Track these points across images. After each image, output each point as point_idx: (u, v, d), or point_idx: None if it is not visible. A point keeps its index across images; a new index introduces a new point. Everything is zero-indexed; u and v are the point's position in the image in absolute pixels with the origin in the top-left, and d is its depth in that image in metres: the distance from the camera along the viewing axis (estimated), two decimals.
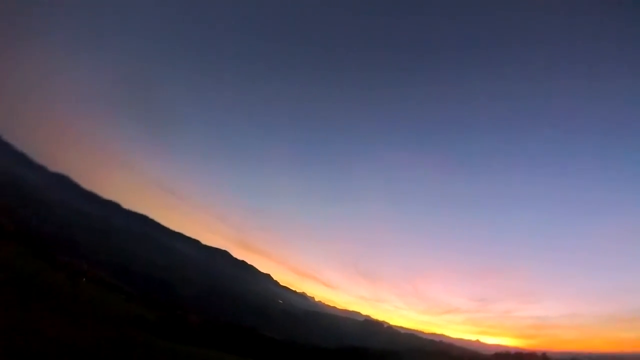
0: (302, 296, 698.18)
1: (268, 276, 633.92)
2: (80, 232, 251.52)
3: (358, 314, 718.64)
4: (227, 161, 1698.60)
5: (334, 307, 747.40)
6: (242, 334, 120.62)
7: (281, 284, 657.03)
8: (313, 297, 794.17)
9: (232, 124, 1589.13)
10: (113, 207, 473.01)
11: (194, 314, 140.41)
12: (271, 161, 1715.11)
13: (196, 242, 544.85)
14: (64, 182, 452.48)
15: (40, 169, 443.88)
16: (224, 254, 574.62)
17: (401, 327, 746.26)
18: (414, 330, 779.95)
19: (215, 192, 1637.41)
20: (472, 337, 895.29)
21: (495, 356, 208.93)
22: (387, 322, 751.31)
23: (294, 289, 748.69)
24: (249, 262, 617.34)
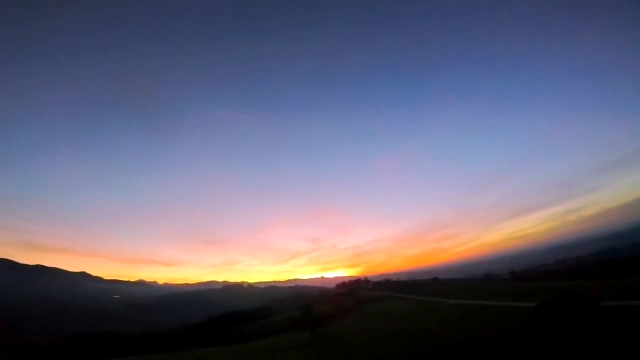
0: (142, 284, 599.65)
1: (83, 274, 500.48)
2: None
3: (215, 282, 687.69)
4: None
5: (186, 284, 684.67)
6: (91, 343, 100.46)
7: (106, 278, 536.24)
8: (155, 281, 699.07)
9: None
10: None
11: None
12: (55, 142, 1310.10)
13: None
14: None
15: None
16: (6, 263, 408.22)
17: (260, 283, 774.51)
18: (272, 282, 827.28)
19: None
20: (318, 275, 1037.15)
21: (336, 286, 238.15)
22: (246, 282, 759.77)
23: (126, 280, 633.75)
24: (49, 264, 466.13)
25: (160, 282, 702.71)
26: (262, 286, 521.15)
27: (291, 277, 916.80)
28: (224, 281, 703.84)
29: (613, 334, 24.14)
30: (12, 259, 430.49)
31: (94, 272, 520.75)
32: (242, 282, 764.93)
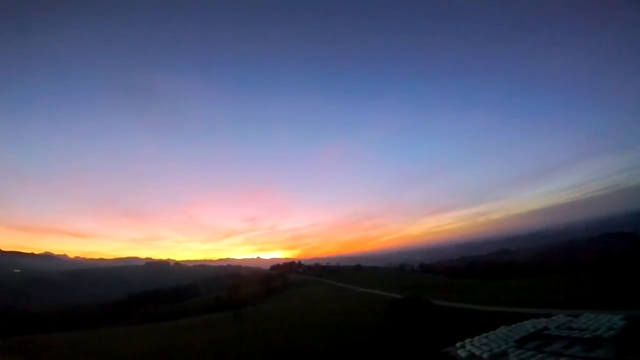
0: (49, 257, 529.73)
1: None
2: None
3: (137, 258, 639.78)
4: None
5: (101, 259, 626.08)
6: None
7: (3, 249, 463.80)
8: (65, 255, 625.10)
9: None
10: None
11: None
12: None
13: None
14: None
15: None
16: None
17: (189, 261, 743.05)
18: (202, 260, 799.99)
19: None
20: (253, 255, 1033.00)
21: (270, 268, 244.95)
22: (172, 259, 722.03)
23: (29, 252, 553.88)
24: None
25: (71, 255, 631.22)
26: (191, 265, 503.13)
27: (224, 257, 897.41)
28: (147, 258, 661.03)
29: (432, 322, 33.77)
30: None
31: None
32: (168, 259, 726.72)
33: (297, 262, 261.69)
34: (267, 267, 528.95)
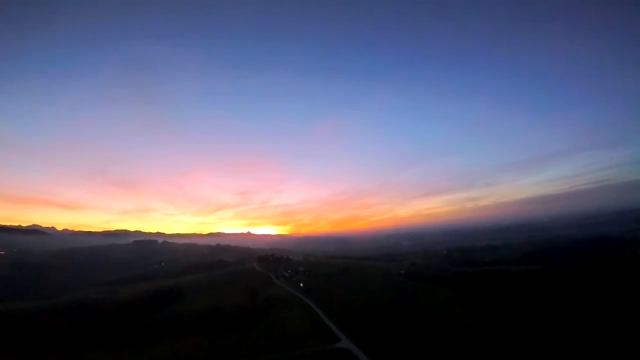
0: (36, 231, 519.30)
1: None
2: None
3: (126, 232, 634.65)
4: None
5: (90, 232, 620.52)
6: None
7: None
8: (54, 227, 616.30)
9: None
10: None
11: None
12: None
13: None
14: None
15: None
16: None
17: (178, 235, 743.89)
18: (191, 235, 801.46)
19: None
20: (244, 230, 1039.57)
21: (257, 261, 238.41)
22: (162, 233, 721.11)
23: (17, 224, 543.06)
24: None
25: (59, 228, 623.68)
26: (179, 242, 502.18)
27: (214, 231, 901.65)
28: (137, 231, 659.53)
29: None
30: None
31: None
32: (158, 232, 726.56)
33: (285, 257, 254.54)
34: (257, 245, 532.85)
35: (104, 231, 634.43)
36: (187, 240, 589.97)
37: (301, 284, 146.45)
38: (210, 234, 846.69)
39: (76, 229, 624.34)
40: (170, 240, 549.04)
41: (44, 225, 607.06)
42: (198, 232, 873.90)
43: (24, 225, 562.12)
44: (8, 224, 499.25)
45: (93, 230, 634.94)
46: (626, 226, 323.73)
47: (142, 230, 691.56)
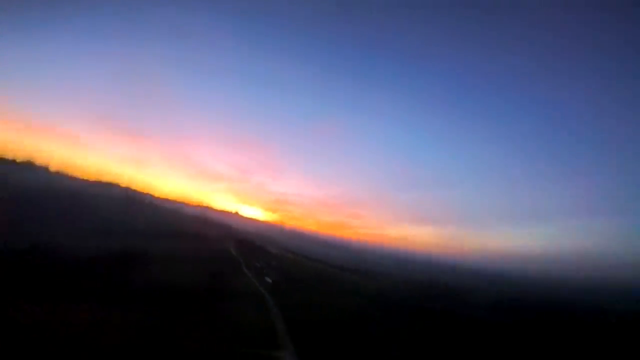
0: (30, 168, 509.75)
1: None
2: None
3: (118, 186, 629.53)
4: None
5: (82, 179, 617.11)
6: None
7: None
8: (47, 166, 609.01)
9: None
10: None
11: None
12: None
13: None
14: None
15: None
16: None
17: (167, 199, 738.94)
18: (179, 202, 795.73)
19: None
20: (233, 209, 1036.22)
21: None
22: (151, 194, 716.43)
23: (11, 158, 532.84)
24: None
25: (53, 168, 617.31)
26: (166, 206, 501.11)
27: (204, 202, 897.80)
28: (127, 187, 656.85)
29: None
30: None
31: None
32: (147, 193, 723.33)
33: (262, 248, 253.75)
34: (244, 227, 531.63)
35: (96, 180, 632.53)
36: (175, 207, 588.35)
37: (270, 280, 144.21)
38: (199, 205, 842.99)
39: (69, 172, 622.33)
40: (158, 202, 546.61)
41: (38, 162, 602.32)
42: (187, 200, 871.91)
43: (17, 160, 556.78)
44: (4, 155, 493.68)
45: (84, 178, 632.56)
46: (604, 299, 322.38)
47: (133, 188, 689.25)
